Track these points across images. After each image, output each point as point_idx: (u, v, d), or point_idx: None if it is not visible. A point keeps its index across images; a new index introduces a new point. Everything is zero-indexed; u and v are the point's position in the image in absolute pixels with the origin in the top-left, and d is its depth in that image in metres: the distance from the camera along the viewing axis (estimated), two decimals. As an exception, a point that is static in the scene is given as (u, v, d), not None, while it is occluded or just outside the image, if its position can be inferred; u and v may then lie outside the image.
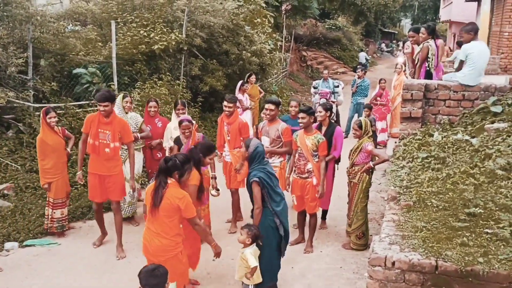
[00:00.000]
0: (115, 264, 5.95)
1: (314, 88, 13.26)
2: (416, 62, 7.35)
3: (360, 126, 6.25)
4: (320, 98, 12.74)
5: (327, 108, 6.84)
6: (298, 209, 6.55)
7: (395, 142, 7.18)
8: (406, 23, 56.95)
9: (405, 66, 12.61)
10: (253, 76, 11.47)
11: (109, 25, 10.01)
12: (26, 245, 6.35)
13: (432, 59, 7.15)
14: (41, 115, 6.44)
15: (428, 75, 7.24)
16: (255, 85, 11.81)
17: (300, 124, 6.29)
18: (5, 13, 7.28)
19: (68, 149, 6.72)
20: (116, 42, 9.53)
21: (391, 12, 36.04)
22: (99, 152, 5.92)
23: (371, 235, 6.73)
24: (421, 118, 6.76)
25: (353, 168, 6.34)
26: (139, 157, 7.11)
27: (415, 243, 3.96)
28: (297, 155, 6.31)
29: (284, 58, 18.39)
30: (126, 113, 6.97)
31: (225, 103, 6.81)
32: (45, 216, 6.59)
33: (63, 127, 7.00)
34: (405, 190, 5.02)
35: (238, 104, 9.88)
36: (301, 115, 6.19)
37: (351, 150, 6.43)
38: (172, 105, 9.78)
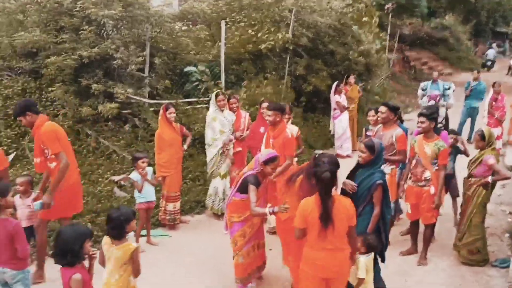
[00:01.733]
0: (224, 260, 5.96)
1: (422, 90, 12.52)
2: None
3: (482, 136, 5.73)
4: (429, 101, 12.03)
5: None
6: (412, 218, 6.15)
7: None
8: (520, 22, 52.36)
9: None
10: (352, 77, 11.08)
11: (217, 24, 10.23)
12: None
13: None
14: (161, 111, 6.68)
15: None
16: (355, 85, 11.43)
17: (419, 129, 5.90)
18: (126, 13, 7.66)
19: (185, 146, 6.94)
20: (224, 41, 9.71)
21: (505, 10, 33.36)
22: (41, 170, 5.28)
23: (493, 252, 6.17)
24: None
25: (470, 179, 5.84)
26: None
27: None
28: (414, 161, 5.91)
29: (390, 58, 17.69)
30: (222, 110, 7.02)
31: (264, 110, 6.13)
32: (160, 208, 6.84)
33: (182, 125, 7.22)
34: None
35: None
36: (421, 119, 5.79)
37: (471, 160, 5.92)
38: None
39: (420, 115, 5.85)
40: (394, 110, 6.29)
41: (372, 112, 7.43)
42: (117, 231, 3.83)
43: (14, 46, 8.23)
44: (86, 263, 3.74)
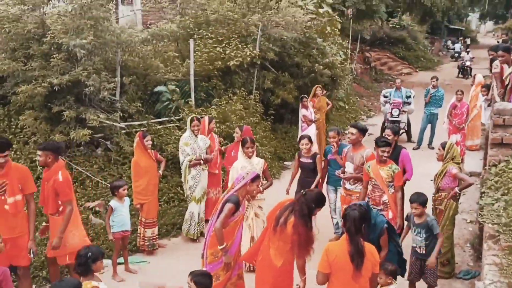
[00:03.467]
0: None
1: (385, 97, 13.00)
2: (507, 83, 7.05)
3: (443, 147, 6.12)
4: (392, 108, 12.52)
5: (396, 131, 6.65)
6: (373, 242, 6.44)
7: (487, 168, 6.92)
8: (473, 17, 54.53)
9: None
10: (319, 89, 11.40)
11: (185, 40, 10.31)
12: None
13: (526, 81, 6.83)
14: (137, 138, 6.77)
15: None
16: (323, 97, 11.74)
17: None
18: (97, 41, 7.66)
19: (160, 171, 7.04)
20: (193, 59, 9.82)
21: (458, 8, 34.65)
22: None
23: (457, 263, 6.56)
24: (514, 145, 6.47)
25: (439, 194, 6.18)
26: (204, 176, 7.27)
27: (524, 293, 3.85)
28: (370, 186, 6.10)
29: (354, 68, 18.23)
30: (196, 136, 7.17)
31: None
32: (138, 234, 6.93)
33: (156, 151, 7.32)
34: (504, 228, 4.87)
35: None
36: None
37: (436, 175, 6.27)
38: (246, 121, 9.98)
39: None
40: (363, 131, 6.62)
41: (332, 133, 6.96)
42: (83, 268, 4.02)
43: (-20, 73, 8.07)
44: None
